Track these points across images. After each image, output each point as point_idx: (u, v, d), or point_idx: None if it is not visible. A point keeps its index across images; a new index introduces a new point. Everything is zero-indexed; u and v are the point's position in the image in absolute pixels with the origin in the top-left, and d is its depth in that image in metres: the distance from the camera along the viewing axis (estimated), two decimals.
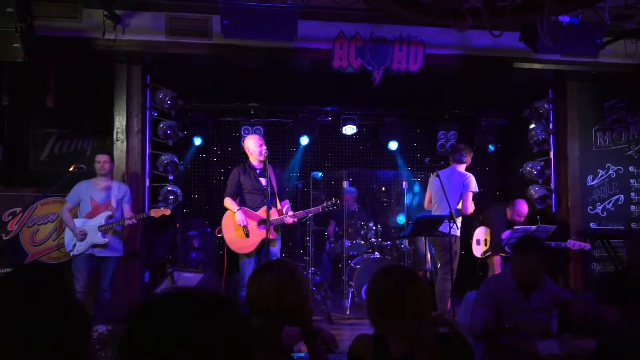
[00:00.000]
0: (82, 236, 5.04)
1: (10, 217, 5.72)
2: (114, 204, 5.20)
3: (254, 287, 2.09)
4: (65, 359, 1.60)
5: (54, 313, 1.58)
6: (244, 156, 7.93)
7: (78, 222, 5.12)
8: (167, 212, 5.40)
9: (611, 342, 1.49)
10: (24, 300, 1.58)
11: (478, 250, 6.13)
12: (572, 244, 5.95)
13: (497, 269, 5.85)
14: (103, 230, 5.09)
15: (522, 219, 6.05)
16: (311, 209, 5.54)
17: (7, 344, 1.50)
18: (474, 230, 6.28)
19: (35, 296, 1.59)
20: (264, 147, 5.30)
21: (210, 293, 1.07)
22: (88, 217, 5.14)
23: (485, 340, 3.02)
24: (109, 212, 5.16)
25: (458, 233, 5.61)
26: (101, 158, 5.22)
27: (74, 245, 5.05)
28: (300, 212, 5.43)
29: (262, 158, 5.27)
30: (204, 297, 1.05)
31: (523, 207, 6.06)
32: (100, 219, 5.12)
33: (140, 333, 0.99)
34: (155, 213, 5.29)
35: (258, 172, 5.37)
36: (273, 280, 2.06)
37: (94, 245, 5.08)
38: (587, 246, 6.02)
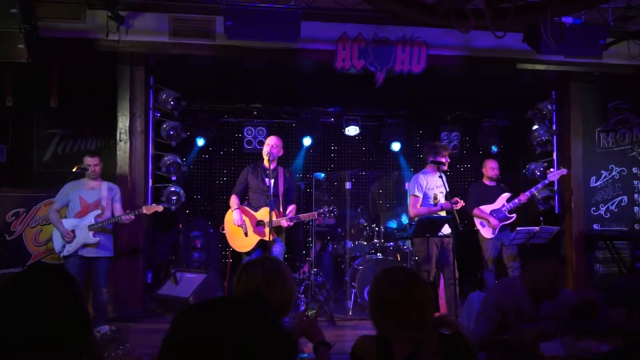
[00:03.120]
0: (70, 238, 4.94)
1: (14, 218, 5.73)
2: (104, 203, 5.10)
3: (240, 285, 2.13)
4: (68, 357, 1.61)
5: (56, 315, 1.59)
6: (247, 157, 8.01)
7: (67, 222, 5.02)
8: (160, 208, 5.33)
9: (622, 349, 1.49)
10: (29, 302, 1.59)
11: (488, 232, 6.07)
12: (553, 174, 6.16)
13: (478, 227, 6.06)
14: (94, 229, 4.99)
15: (496, 170, 6.24)
16: (305, 214, 5.47)
17: (12, 344, 1.51)
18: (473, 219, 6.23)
19: (39, 298, 1.60)
20: (268, 147, 5.29)
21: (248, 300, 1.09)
22: (77, 216, 5.04)
23: (485, 351, 2.99)
24: (99, 211, 5.06)
25: (444, 232, 5.51)
26: (92, 161, 5.09)
27: (64, 247, 4.96)
28: (294, 217, 5.33)
29: (265, 157, 5.27)
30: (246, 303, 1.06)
31: (491, 162, 6.32)
32: (90, 218, 5.02)
33: (184, 338, 0.99)
34: (148, 210, 5.20)
35: (267, 172, 5.34)
36: (259, 277, 2.11)
37: (84, 245, 4.98)
38: (565, 171, 6.22)
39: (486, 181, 6.26)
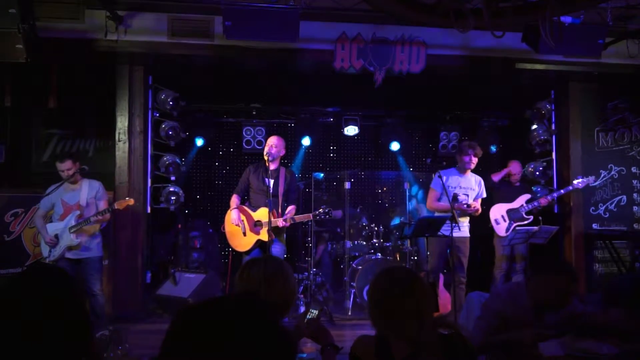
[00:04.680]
0: (53, 243, 4.83)
1: (13, 218, 5.73)
2: (83, 203, 4.94)
3: (242, 282, 2.14)
4: (68, 358, 1.61)
5: (56, 315, 1.59)
6: (246, 157, 8.01)
7: (51, 227, 4.91)
8: (131, 202, 5.13)
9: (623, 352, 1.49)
10: (28, 302, 1.59)
11: (501, 230, 6.03)
12: (577, 183, 6.09)
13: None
14: (74, 230, 4.83)
15: (517, 176, 6.25)
16: (301, 216, 5.34)
17: (11, 345, 1.51)
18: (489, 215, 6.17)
19: (39, 298, 1.60)
20: (267, 147, 5.27)
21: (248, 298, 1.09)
22: (61, 219, 4.92)
23: (484, 353, 2.97)
24: (78, 212, 4.90)
25: (459, 234, 5.50)
26: (63, 167, 4.89)
27: (50, 252, 4.85)
28: (290, 218, 5.22)
29: (265, 157, 5.25)
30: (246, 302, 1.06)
31: (513, 164, 6.30)
32: (70, 219, 4.87)
33: (184, 336, 0.99)
34: (119, 205, 4.98)
35: (267, 172, 5.30)
36: (261, 275, 2.12)
37: (69, 248, 4.86)
38: (592, 180, 6.19)
39: (511, 180, 6.29)
